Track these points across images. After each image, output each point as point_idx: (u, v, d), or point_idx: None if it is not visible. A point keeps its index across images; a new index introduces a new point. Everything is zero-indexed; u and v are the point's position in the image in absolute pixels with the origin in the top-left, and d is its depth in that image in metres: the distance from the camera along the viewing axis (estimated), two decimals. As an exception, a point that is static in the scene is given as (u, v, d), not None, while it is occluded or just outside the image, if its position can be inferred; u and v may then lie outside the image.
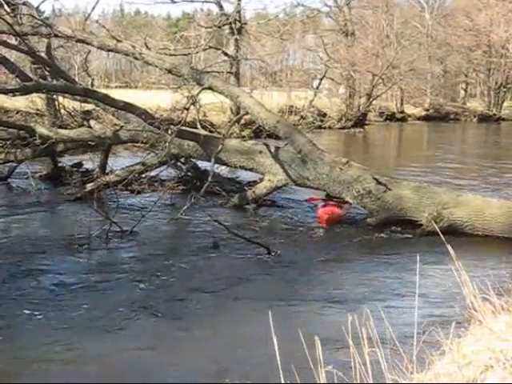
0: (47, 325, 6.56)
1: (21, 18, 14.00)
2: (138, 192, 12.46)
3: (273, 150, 12.66)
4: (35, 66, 15.37)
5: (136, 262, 9.11)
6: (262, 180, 13.04)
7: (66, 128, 14.92)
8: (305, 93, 33.80)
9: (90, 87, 15.48)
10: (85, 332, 6.35)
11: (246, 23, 29.99)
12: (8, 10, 13.79)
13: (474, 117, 49.40)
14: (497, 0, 43.46)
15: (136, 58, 14.25)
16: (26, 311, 6.86)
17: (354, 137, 33.56)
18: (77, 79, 19.36)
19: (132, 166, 13.39)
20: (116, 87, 41.53)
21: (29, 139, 13.49)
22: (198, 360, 5.86)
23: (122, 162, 15.39)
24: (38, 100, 19.08)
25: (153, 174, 13.27)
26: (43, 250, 9.31)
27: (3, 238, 10.22)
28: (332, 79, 39.20)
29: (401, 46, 39.98)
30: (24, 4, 14.65)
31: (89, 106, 15.93)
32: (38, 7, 15.12)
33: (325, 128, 33.97)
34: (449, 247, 3.60)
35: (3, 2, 13.62)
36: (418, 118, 46.48)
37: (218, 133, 15.45)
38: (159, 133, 12.05)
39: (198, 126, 13.10)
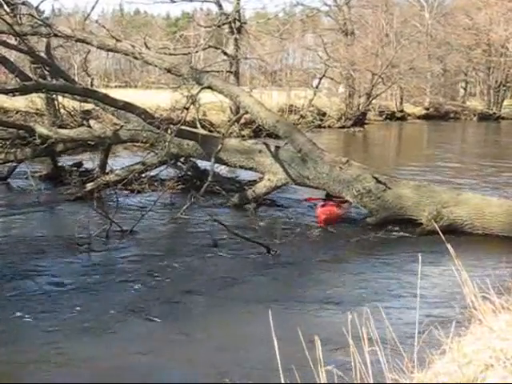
0: (38, 327, 6.50)
1: (20, 17, 13.99)
2: (138, 192, 12.46)
3: (272, 149, 12.65)
4: (35, 65, 15.36)
5: (134, 262, 9.09)
6: (261, 179, 13.03)
7: (65, 128, 14.92)
8: (304, 92, 33.76)
9: (89, 87, 15.47)
10: (76, 335, 6.29)
11: (245, 22, 29.96)
12: (7, 9, 13.79)
13: (474, 116, 49.37)
14: (496, -1, 43.47)
15: (135, 58, 14.25)
16: (19, 313, 6.80)
17: (354, 136, 33.55)
18: (76, 79, 19.33)
19: (132, 165, 13.40)
20: (116, 87, 41.53)
21: (28, 139, 13.49)
22: (193, 363, 5.82)
23: (121, 161, 15.40)
24: (37, 100, 19.06)
25: (153, 173, 13.26)
26: (42, 250, 9.31)
27: (2, 238, 10.22)
28: (332, 78, 39.16)
29: (400, 45, 39.95)
30: (23, 4, 14.64)
31: (88, 106, 15.92)
32: (37, 7, 15.13)
33: (324, 127, 34.00)
34: (449, 246, 3.61)
35: (3, 2, 13.62)
36: (418, 117, 46.46)
37: (218, 132, 15.43)
38: (159, 132, 12.06)
39: (198, 126, 13.10)
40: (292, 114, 30.49)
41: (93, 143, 14.36)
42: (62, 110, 16.77)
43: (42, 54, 14.48)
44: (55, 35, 13.70)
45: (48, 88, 13.63)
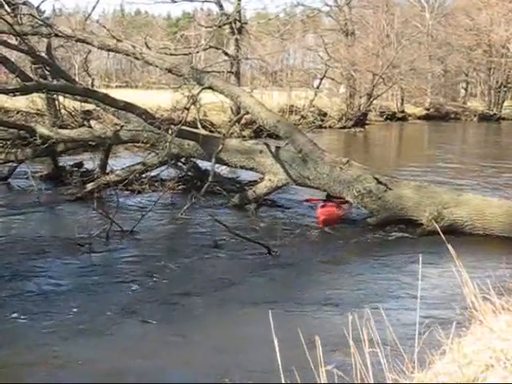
0: (34, 328, 6.46)
1: (21, 17, 14.00)
2: (139, 192, 12.47)
3: (273, 149, 12.65)
4: (35, 65, 15.34)
5: (134, 263, 9.07)
6: (262, 180, 13.03)
7: (66, 128, 14.93)
8: (305, 92, 33.79)
9: (90, 87, 15.46)
10: (72, 336, 6.26)
11: (246, 23, 30.00)
12: (8, 9, 13.79)
13: (475, 116, 49.37)
14: (497, -1, 43.47)
15: (136, 58, 14.25)
16: (15, 314, 6.78)
17: (355, 136, 33.55)
18: (77, 79, 19.37)
19: (132, 165, 13.40)
20: (116, 87, 41.52)
21: (29, 139, 13.50)
22: (191, 364, 5.80)
23: (122, 161, 15.40)
24: (38, 100, 19.08)
25: (153, 173, 13.28)
26: (42, 251, 9.31)
27: (2, 238, 10.23)
28: (332, 79, 39.20)
29: (401, 45, 39.96)
30: (24, 4, 14.65)
31: (89, 106, 15.93)
32: (38, 7, 15.12)
33: (325, 128, 34.00)
34: (449, 247, 3.60)
35: (3, 2, 13.61)
36: (419, 118, 46.46)
37: (219, 132, 15.46)
38: (159, 133, 12.06)
39: (199, 126, 13.10)
40: (293, 114, 30.52)
41: (93, 143, 14.37)
42: (62, 111, 16.77)
43: (43, 54, 14.48)
44: (56, 35, 13.71)
45: (49, 88, 13.64)
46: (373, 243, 10.44)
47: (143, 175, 12.93)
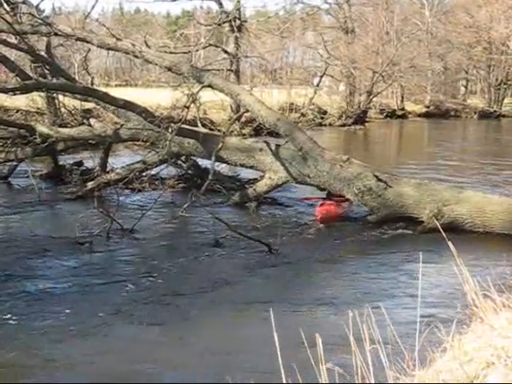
0: (23, 330, 6.41)
1: (20, 16, 14.00)
2: (139, 190, 12.46)
3: (273, 147, 12.65)
4: (35, 64, 15.35)
5: (132, 262, 9.08)
6: (262, 178, 13.03)
7: (66, 127, 14.94)
8: (305, 90, 33.76)
9: (90, 86, 15.48)
10: (62, 338, 6.21)
11: (245, 21, 29.95)
12: (8, 8, 13.81)
13: (475, 113, 49.27)
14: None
15: (136, 57, 14.25)
16: (8, 315, 6.72)
17: (355, 134, 33.52)
18: (77, 78, 19.38)
19: (132, 164, 13.41)
20: (116, 85, 41.44)
21: (29, 138, 13.50)
22: (183, 367, 5.77)
23: (122, 160, 15.39)
24: (38, 99, 19.07)
25: (153, 172, 13.29)
26: (41, 250, 9.30)
27: (2, 237, 10.22)
28: (332, 76, 39.11)
29: (401, 43, 39.86)
30: (24, 3, 14.64)
31: (89, 105, 15.93)
32: (37, 6, 15.14)
33: (325, 125, 33.97)
34: (450, 244, 3.60)
35: (3, 1, 13.63)
36: (419, 115, 46.38)
37: (219, 131, 15.43)
38: (159, 131, 12.06)
39: (199, 124, 13.10)
40: (293, 112, 30.50)
41: (93, 142, 14.38)
42: (62, 109, 16.79)
43: (43, 53, 14.49)
44: (55, 34, 13.70)
45: (48, 87, 13.64)
46: (373, 241, 10.44)
47: (143, 174, 12.94)
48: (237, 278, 8.39)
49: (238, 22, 27.57)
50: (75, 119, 15.57)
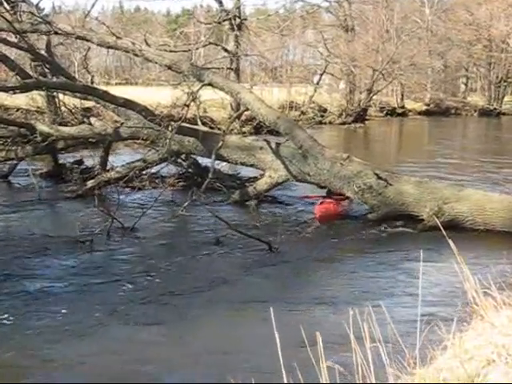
0: (18, 330, 6.38)
1: (20, 15, 14.01)
2: (139, 189, 12.45)
3: (273, 145, 12.65)
4: (35, 63, 15.35)
5: (132, 261, 9.06)
6: (262, 176, 13.03)
7: (66, 125, 14.92)
8: (305, 88, 33.78)
9: (90, 84, 15.48)
10: (58, 338, 6.18)
11: (245, 19, 29.96)
12: (8, 7, 13.80)
13: (475, 111, 49.23)
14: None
15: (136, 55, 14.25)
16: (5, 315, 6.69)
17: (355, 132, 33.50)
18: (77, 76, 19.36)
19: (133, 162, 13.41)
20: (116, 84, 41.40)
21: (29, 137, 13.49)
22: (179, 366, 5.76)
23: (122, 158, 15.40)
24: (38, 97, 19.06)
25: (153, 170, 13.28)
26: (41, 249, 9.30)
27: (2, 236, 10.21)
28: (332, 74, 39.08)
29: (401, 40, 39.82)
30: (23, 1, 14.64)
31: (89, 103, 15.93)
32: (37, 5, 15.14)
33: (325, 123, 33.94)
34: (450, 242, 3.60)
35: (3, 0, 13.61)
36: (419, 113, 46.32)
37: (219, 129, 15.43)
38: (160, 129, 12.06)
39: (199, 123, 13.10)
40: (293, 110, 30.51)
41: (93, 140, 14.38)
42: (62, 108, 16.77)
43: (43, 52, 14.48)
44: (55, 33, 13.70)
45: (48, 86, 13.64)
46: (373, 239, 10.44)
47: (143, 172, 12.93)
48: (236, 276, 8.39)
49: (237, 20, 27.58)
50: (75, 118, 15.56)
